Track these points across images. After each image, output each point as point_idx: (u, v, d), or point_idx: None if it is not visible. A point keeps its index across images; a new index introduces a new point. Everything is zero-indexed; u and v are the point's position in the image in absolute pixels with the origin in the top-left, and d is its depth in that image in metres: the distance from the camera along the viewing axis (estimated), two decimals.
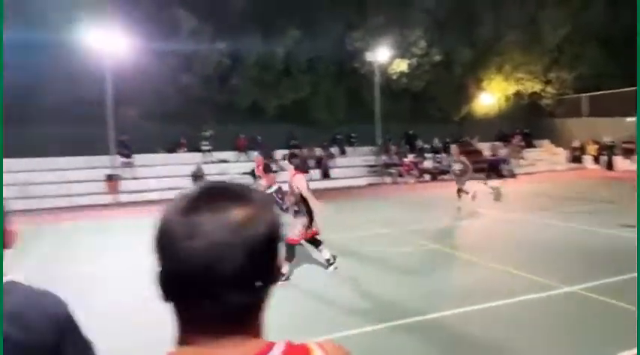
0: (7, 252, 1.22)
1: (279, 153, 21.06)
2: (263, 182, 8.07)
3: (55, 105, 17.28)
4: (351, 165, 21.83)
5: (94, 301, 5.72)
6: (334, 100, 23.16)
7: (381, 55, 21.74)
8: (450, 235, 9.28)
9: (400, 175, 21.51)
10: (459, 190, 11.65)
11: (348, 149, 23.20)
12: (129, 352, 4.18)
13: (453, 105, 25.93)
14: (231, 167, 19.47)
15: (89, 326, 4.18)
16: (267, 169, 8.14)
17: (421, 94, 25.04)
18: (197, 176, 17.74)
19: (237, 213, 0.69)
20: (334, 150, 22.68)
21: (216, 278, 0.66)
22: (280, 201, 7.75)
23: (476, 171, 12.20)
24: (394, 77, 24.02)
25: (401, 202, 14.62)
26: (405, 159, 22.31)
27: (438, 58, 24.34)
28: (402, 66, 24.01)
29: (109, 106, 16.71)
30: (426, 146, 23.89)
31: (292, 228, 6.34)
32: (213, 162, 19.88)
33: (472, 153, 16.45)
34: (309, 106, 22.73)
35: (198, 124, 20.27)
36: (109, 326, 4.87)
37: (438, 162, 22.58)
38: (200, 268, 0.66)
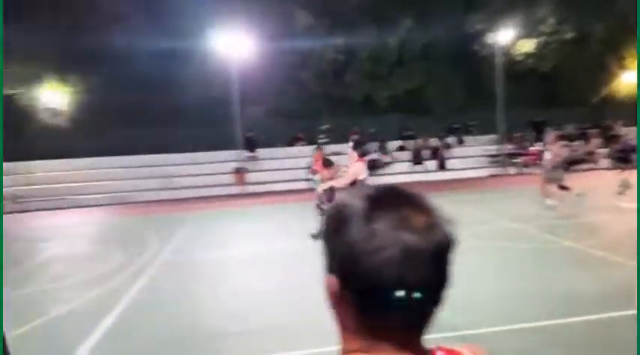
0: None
1: (393, 145, 20.89)
2: (321, 176, 8.03)
3: (191, 107, 19.32)
4: (469, 156, 20.80)
5: (246, 281, 6.34)
6: (451, 87, 22.23)
7: (504, 35, 20.26)
8: (582, 231, 8.38)
9: (525, 166, 19.90)
10: (562, 187, 10.17)
11: (467, 138, 22.10)
12: (286, 328, 4.57)
13: (590, 86, 23.19)
14: (345, 159, 19.84)
15: (246, 304, 4.58)
16: (326, 163, 8.10)
17: (550, 76, 22.81)
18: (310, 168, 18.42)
19: (421, 219, 0.66)
20: (451, 139, 21.79)
21: (410, 288, 0.64)
22: (324, 201, 7.65)
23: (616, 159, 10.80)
24: (518, 58, 22.22)
25: (526, 195, 13.57)
26: (532, 148, 20.55)
27: (570, 35, 21.92)
28: (527, 46, 22.11)
29: (235, 105, 18.13)
30: (556, 133, 21.67)
31: None
32: (327, 155, 20.43)
33: (614, 139, 14.58)
34: (424, 95, 22.14)
35: (315, 119, 21.01)
36: (264, 304, 5.37)
37: (574, 151, 20.36)
38: (393, 279, 0.63)
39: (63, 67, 19.53)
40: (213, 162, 19.40)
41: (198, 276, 6.84)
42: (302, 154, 20.23)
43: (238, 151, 18.98)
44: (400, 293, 0.64)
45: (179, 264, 7.66)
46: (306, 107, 21.21)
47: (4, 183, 17.12)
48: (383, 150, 20.33)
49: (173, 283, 6.56)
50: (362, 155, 6.61)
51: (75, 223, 12.86)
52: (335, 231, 0.69)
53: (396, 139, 21.47)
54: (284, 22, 20.24)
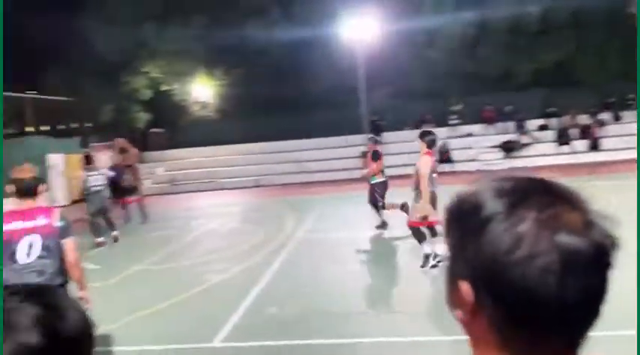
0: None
1: (533, 124, 19.08)
2: (369, 171, 7.61)
3: (321, 93, 20.03)
4: (628, 134, 18.05)
5: (374, 262, 6.52)
6: (605, 56, 19.40)
7: None
8: None
9: None
10: None
11: (624, 114, 19.18)
12: (419, 312, 4.63)
13: None
14: (477, 141, 18.75)
15: (377, 285, 4.66)
16: (375, 157, 7.53)
17: None
18: (442, 152, 17.76)
19: (577, 217, 0.56)
20: (605, 116, 19.12)
21: (570, 304, 0.55)
22: (378, 197, 7.11)
23: None
24: None
25: None
26: None
27: None
28: None
29: (361, 90, 18.24)
30: None
31: (413, 210, 5.84)
32: (459, 137, 19.52)
33: None
34: (573, 66, 19.69)
35: (444, 99, 20.17)
36: (393, 286, 5.49)
37: None
38: (552, 291, 0.54)
39: (209, 63, 21.64)
40: (340, 147, 19.89)
41: (331, 254, 7.14)
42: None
43: (364, 135, 19.14)
44: (560, 306, 0.54)
45: (314, 242, 8.10)
46: (434, 87, 20.42)
47: (164, 167, 19.76)
48: (521, 129, 18.70)
49: (309, 259, 6.97)
50: (430, 146, 5.95)
51: (222, 204, 14.33)
52: (469, 231, 0.59)
53: (538, 117, 19.55)
54: (409, 0, 19.65)
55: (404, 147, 19.20)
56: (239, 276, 6.40)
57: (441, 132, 19.31)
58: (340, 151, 19.72)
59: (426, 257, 5.70)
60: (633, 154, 16.70)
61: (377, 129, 19.92)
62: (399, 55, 20.09)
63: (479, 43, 20.13)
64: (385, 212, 8.13)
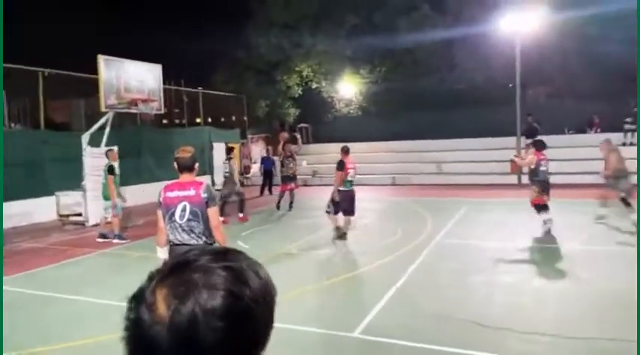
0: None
1: None
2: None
3: (471, 92, 19.06)
4: None
5: (515, 276, 6.06)
6: None
7: None
8: None
9: None
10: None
11: None
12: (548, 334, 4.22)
13: None
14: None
15: (496, 296, 4.33)
16: (340, 167, 8.47)
17: None
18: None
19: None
20: None
21: None
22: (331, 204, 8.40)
23: None
24: None
25: None
26: None
27: None
28: None
29: (517, 87, 16.82)
30: None
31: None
32: (630, 145, 16.81)
33: None
34: None
35: (618, 101, 17.53)
36: (524, 302, 5.06)
37: None
38: None
39: (356, 61, 22.16)
40: (487, 150, 18.67)
41: (469, 262, 6.77)
42: (592, 143, 17.28)
43: (516, 138, 17.63)
44: None
45: (452, 247, 7.77)
46: (606, 87, 17.87)
47: (307, 159, 20.84)
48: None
49: (445, 264, 6.70)
50: (538, 148, 8.60)
51: (360, 198, 14.56)
52: None
53: None
54: None
55: (563, 154, 17.27)
56: (378, 271, 6.46)
57: (612, 138, 16.99)
58: (485, 154, 18.53)
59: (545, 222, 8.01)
60: None
61: (532, 132, 18.21)
62: (563, 49, 18.03)
63: None
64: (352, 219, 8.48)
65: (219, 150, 17.91)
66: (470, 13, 18.59)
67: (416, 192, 15.17)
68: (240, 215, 10.81)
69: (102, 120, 10.94)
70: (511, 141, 17.78)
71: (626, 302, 4.85)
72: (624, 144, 16.49)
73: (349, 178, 8.43)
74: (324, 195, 13.61)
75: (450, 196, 14.02)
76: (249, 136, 21.87)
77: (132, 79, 11.21)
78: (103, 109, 10.57)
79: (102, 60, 10.41)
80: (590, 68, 18.16)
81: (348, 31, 21.27)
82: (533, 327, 4.33)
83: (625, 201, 8.83)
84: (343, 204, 8.27)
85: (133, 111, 12.04)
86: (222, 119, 24.98)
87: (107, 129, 11.04)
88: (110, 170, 8.70)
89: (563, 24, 17.22)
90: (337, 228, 8.46)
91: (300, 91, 22.74)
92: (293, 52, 21.54)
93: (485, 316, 4.64)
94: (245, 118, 22.44)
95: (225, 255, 0.67)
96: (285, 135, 13.71)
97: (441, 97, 20.18)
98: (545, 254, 7.18)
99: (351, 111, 23.53)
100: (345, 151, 8.76)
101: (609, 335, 4.07)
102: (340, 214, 8.38)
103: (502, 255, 7.10)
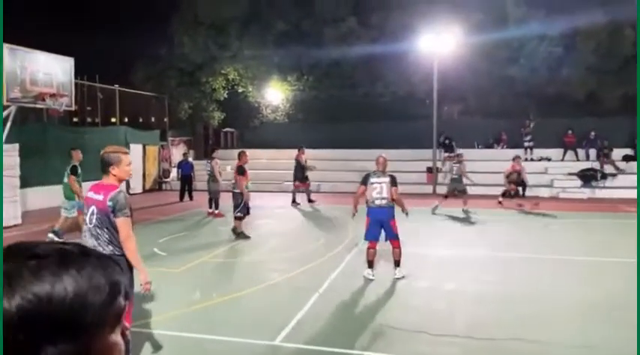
0: None
1: (618, 153, 17.73)
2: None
3: (391, 105, 19.88)
4: None
5: (436, 282, 6.32)
6: None
7: None
8: None
9: None
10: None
11: None
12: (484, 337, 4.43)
13: None
14: (553, 166, 17.76)
15: (412, 301, 4.48)
16: (240, 171, 9.10)
17: None
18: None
19: None
20: None
21: None
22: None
23: None
24: None
25: None
26: None
27: None
28: None
29: (434, 103, 17.83)
30: None
31: None
32: (533, 160, 18.55)
33: None
34: None
35: (521, 119, 19.25)
36: (457, 306, 5.30)
37: None
38: None
39: (284, 68, 22.22)
40: (406, 160, 19.56)
41: (389, 268, 6.98)
42: (501, 157, 18.83)
43: (432, 150, 18.69)
44: None
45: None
46: (510, 106, 19.57)
47: (232, 165, 20.42)
48: (605, 158, 17.44)
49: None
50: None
51: (285, 205, 14.57)
52: None
53: (624, 147, 18.16)
54: (492, 14, 18.96)
55: (474, 166, 18.50)
56: (300, 278, 6.45)
57: (515, 154, 18.62)
58: (404, 164, 19.40)
59: None
60: None
61: (446, 147, 19.38)
62: (477, 70, 19.46)
63: (564, 63, 19.07)
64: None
65: (136, 152, 16.99)
66: (392, 30, 19.46)
67: (340, 200, 15.43)
68: (216, 211, 11.69)
69: (4, 114, 9.91)
70: (428, 153, 18.82)
71: (537, 304, 5.27)
72: (526, 160, 18.14)
73: (250, 183, 9.09)
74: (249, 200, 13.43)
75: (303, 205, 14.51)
76: (170, 139, 21.00)
77: (39, 71, 10.32)
78: (4, 103, 9.59)
79: (6, 49, 9.46)
80: (498, 88, 19.78)
81: (276, 37, 21.28)
82: (447, 330, 4.55)
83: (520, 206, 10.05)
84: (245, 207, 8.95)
85: (40, 106, 11.05)
86: (141, 119, 23.74)
87: (8, 125, 10.02)
88: (73, 170, 8.52)
89: (476, 46, 18.59)
90: (242, 233, 8.93)
91: (225, 95, 22.27)
92: (219, 54, 21.08)
93: (401, 320, 4.81)
94: (166, 120, 21.53)
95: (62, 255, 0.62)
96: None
97: (365, 109, 20.84)
98: (460, 259, 7.61)
99: (278, 118, 23.51)
100: (241, 157, 9.62)
101: (519, 336, 4.39)
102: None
103: (420, 260, 7.42)
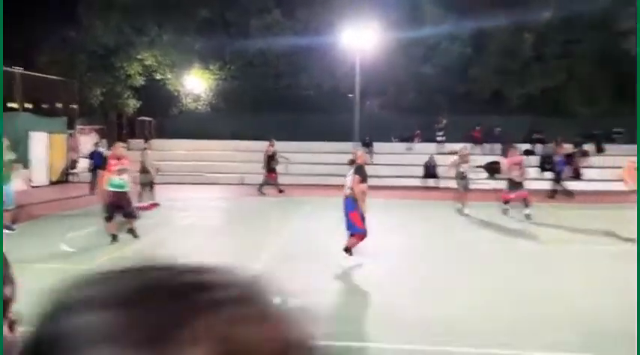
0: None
1: (519, 148, 19.44)
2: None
3: (315, 98, 20.12)
4: (610, 166, 18.51)
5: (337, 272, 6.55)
6: (594, 89, 19.92)
7: None
8: None
9: None
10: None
11: (609, 147, 19.70)
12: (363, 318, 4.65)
13: None
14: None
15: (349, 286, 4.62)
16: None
17: None
18: (429, 166, 18.01)
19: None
20: (588, 147, 19.60)
21: None
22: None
23: None
24: None
25: None
26: None
27: None
28: None
29: (355, 98, 18.33)
30: None
31: None
32: (444, 154, 19.78)
33: None
34: (562, 96, 20.17)
35: (434, 115, 20.41)
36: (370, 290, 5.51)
37: None
38: None
39: (207, 57, 21.56)
40: (330, 153, 19.95)
41: (313, 257, 7.14)
42: (417, 151, 19.88)
43: (354, 143, 19.22)
44: None
45: (296, 243, 8.09)
46: (426, 102, 20.68)
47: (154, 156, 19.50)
48: (506, 153, 19.03)
49: (289, 263, 6.95)
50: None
51: (205, 198, 14.23)
52: None
53: (524, 142, 19.94)
54: (410, 13, 19.85)
55: (392, 159, 19.36)
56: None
57: (429, 148, 19.75)
58: (328, 157, 19.77)
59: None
60: (615, 186, 17.14)
61: (366, 144, 19.85)
62: (395, 67, 20.29)
63: (474, 63, 20.49)
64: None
65: (39, 140, 15.63)
66: (316, 25, 19.66)
67: (268, 192, 15.41)
68: (151, 202, 11.31)
69: None
70: (349, 146, 19.31)
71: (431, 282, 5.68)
72: (439, 154, 19.28)
73: (117, 179, 7.47)
74: (168, 193, 12.96)
75: (296, 195, 14.58)
76: (79, 127, 19.55)
77: None
78: None
79: None
80: (414, 85, 20.78)
81: (199, 25, 20.56)
82: (356, 311, 4.77)
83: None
84: (115, 207, 7.51)
85: None
86: (45, 105, 21.83)
87: None
88: None
89: (394, 43, 19.37)
90: (113, 236, 7.66)
91: (142, 81, 21.13)
92: (136, 39, 19.93)
93: (320, 305, 4.96)
94: (75, 106, 19.98)
95: None
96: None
97: (290, 101, 20.89)
98: (378, 245, 7.94)
99: (200, 108, 22.80)
100: (115, 148, 8.09)
101: (417, 311, 4.71)
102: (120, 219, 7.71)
103: (340, 247, 7.66)
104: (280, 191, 15.02)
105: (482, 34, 19.87)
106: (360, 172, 6.49)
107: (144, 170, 11.66)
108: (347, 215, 6.45)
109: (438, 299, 5.33)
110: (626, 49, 19.46)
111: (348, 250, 6.49)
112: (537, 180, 17.54)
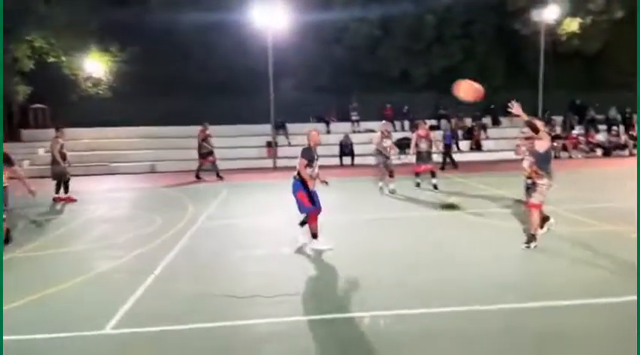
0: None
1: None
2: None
3: (228, 79, 19.57)
4: (505, 137, 20.33)
5: (275, 247, 6.57)
6: (489, 66, 21.59)
7: (549, 13, 19.43)
8: (625, 216, 8.17)
9: (565, 149, 19.37)
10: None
11: (504, 120, 21.58)
12: (313, 293, 4.73)
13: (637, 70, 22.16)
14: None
15: (275, 268, 4.73)
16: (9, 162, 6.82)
17: (596, 58, 21.83)
18: (345, 145, 18.48)
19: None
20: (486, 120, 21.31)
21: None
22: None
23: None
24: (563, 39, 21.35)
25: (565, 180, 13.25)
26: (573, 132, 19.95)
27: (620, 14, 20.82)
28: (573, 25, 21.16)
29: (269, 79, 18.11)
30: (598, 117, 20.97)
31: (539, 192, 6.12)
32: (359, 132, 20.39)
33: None
34: (461, 73, 21.54)
35: (348, 95, 20.88)
36: (290, 269, 5.58)
37: (615, 136, 19.71)
38: None
39: (104, 38, 20.00)
40: (244, 136, 19.67)
41: (228, 241, 7.08)
42: (333, 130, 20.30)
43: (269, 125, 19.12)
44: None
45: (213, 229, 7.95)
46: (338, 82, 21.07)
47: (46, 147, 17.85)
48: (415, 129, 20.09)
49: (205, 246, 6.83)
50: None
51: (114, 189, 13.41)
52: None
53: (430, 118, 21.17)
54: None
55: (304, 140, 19.37)
56: (133, 263, 6.09)
57: (344, 127, 20.23)
58: (246, 140, 19.49)
59: None
60: (510, 155, 18.81)
61: (281, 127, 19.84)
62: (307, 47, 20.34)
63: (382, 44, 21.18)
64: None
65: None
66: (225, 2, 18.98)
67: (177, 180, 14.84)
68: (64, 196, 10.95)
69: None
70: (266, 128, 19.18)
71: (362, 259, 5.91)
72: (353, 132, 19.85)
73: None
74: (74, 185, 11.98)
75: (211, 182, 14.23)
76: None
77: None
78: None
79: None
80: (326, 65, 21.02)
81: (93, 2, 18.93)
82: (280, 290, 4.84)
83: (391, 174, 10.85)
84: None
85: None
86: None
87: None
88: None
89: (305, 25, 19.36)
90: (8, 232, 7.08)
91: (32, 65, 19.09)
92: (21, 19, 17.88)
93: (239, 288, 4.95)
94: None
95: None
96: None
97: (200, 84, 20.10)
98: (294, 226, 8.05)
99: (101, 92, 21.19)
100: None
101: (343, 288, 4.89)
102: None
103: (259, 231, 7.66)
104: (219, 177, 14.52)
105: (389, 17, 20.53)
106: (306, 154, 6.23)
107: (54, 161, 11.10)
108: (295, 197, 6.33)
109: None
110: (516, 28, 21.28)
111: (314, 236, 6.30)
112: (443, 154, 18.76)
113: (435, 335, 3.80)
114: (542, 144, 6.23)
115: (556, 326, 3.91)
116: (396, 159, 12.22)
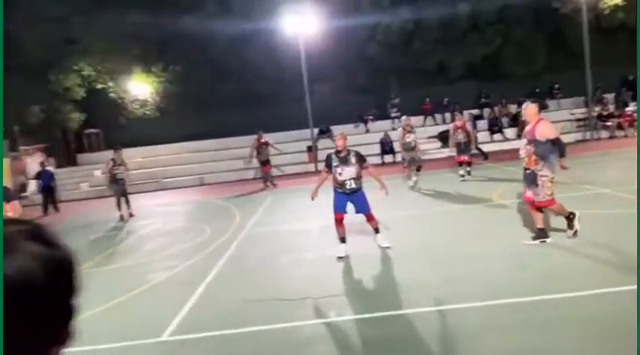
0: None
1: (467, 114, 20.09)
2: None
3: (265, 89, 19.94)
4: (553, 121, 19.39)
5: (322, 250, 6.64)
6: (530, 49, 20.72)
7: None
8: None
9: (620, 128, 18.28)
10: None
11: (551, 102, 20.66)
12: (357, 293, 4.76)
13: None
14: (417, 131, 19.59)
15: (323, 271, 4.76)
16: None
17: None
18: (385, 143, 18.35)
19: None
20: None
21: None
22: None
23: None
24: (606, 12, 20.17)
25: (619, 159, 12.52)
26: (627, 109, 18.81)
27: None
28: None
29: (305, 85, 18.28)
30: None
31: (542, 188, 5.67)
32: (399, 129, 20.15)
33: None
34: (502, 59, 20.88)
35: (386, 92, 20.71)
36: (338, 272, 5.64)
37: None
38: None
39: (146, 60, 20.88)
40: (286, 142, 19.91)
41: (275, 246, 7.21)
42: (373, 130, 20.18)
43: (308, 130, 19.27)
44: None
45: (260, 235, 8.12)
46: (375, 81, 20.94)
47: (101, 169, 18.88)
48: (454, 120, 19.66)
49: (253, 252, 6.99)
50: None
51: (166, 203, 13.97)
52: None
53: (472, 108, 20.61)
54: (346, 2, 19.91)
55: (349, 140, 19.34)
56: (186, 272, 6.34)
57: (383, 125, 20.07)
58: (286, 146, 19.73)
59: None
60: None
61: (323, 132, 19.92)
62: (341, 50, 20.36)
63: (415, 38, 20.84)
64: None
65: None
66: (255, 13, 19.37)
67: (225, 190, 15.27)
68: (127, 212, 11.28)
69: None
70: (306, 133, 19.35)
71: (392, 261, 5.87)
72: (394, 129, 19.65)
73: None
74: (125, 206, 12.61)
75: (257, 189, 14.54)
76: (22, 148, 18.65)
77: None
78: None
79: None
80: (361, 66, 20.94)
81: (132, 27, 19.85)
82: (327, 291, 4.89)
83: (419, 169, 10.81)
84: None
85: None
86: None
87: None
88: None
89: (336, 29, 19.37)
90: None
91: (83, 93, 20.27)
92: (67, 49, 19.04)
93: (287, 291, 5.04)
94: (15, 128, 18.99)
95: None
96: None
97: (240, 96, 20.58)
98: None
99: (148, 113, 22.15)
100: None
101: (387, 290, 4.88)
102: None
103: (304, 235, 7.75)
104: (273, 185, 14.71)
105: (419, 9, 20.19)
106: (326, 160, 6.52)
107: (113, 179, 11.36)
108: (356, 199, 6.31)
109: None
110: (555, 7, 20.35)
111: (377, 230, 6.36)
112: (488, 143, 18.23)
113: (488, 328, 3.72)
114: (544, 133, 5.68)
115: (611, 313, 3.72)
116: (438, 152, 12.03)
